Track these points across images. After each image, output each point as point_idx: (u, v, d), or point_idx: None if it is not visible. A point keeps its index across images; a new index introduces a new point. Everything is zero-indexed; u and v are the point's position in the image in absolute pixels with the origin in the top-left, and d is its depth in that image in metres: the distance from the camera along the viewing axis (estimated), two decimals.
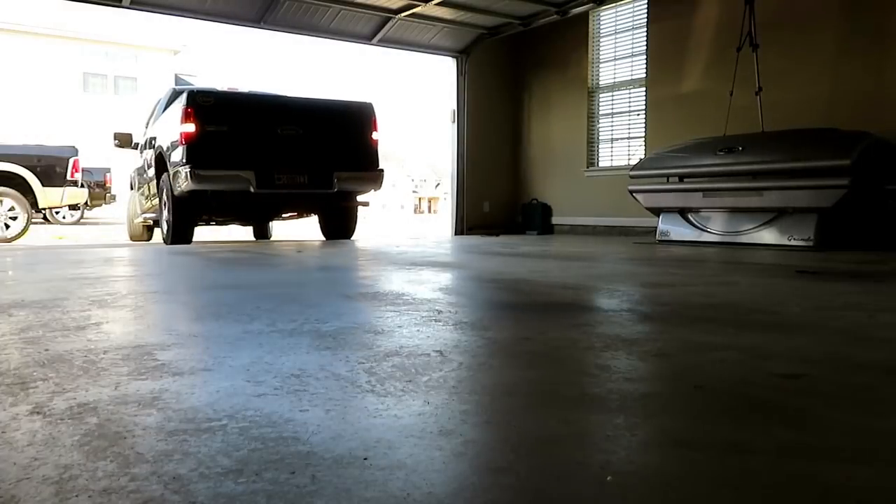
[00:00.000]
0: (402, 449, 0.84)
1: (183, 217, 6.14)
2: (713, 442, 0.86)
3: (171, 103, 7.00)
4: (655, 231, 6.26)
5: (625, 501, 0.69)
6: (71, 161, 8.00)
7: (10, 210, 7.58)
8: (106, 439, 0.88)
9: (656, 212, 6.24)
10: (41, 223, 13.01)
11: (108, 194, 16.72)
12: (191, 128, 5.69)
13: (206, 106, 5.79)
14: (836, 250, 4.74)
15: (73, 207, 14.17)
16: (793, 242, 5.06)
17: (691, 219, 5.90)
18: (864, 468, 0.78)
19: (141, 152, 7.59)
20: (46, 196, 7.87)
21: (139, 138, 7.99)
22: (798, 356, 1.36)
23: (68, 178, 7.99)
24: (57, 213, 14.11)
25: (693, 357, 1.36)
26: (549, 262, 3.97)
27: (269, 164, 5.89)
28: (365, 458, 0.81)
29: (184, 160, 5.64)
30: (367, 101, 6.64)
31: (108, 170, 16.87)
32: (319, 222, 7.50)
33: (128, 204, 8.82)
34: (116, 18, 22.44)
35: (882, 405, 1.05)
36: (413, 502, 0.69)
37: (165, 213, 6.33)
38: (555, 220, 8.84)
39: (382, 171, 6.53)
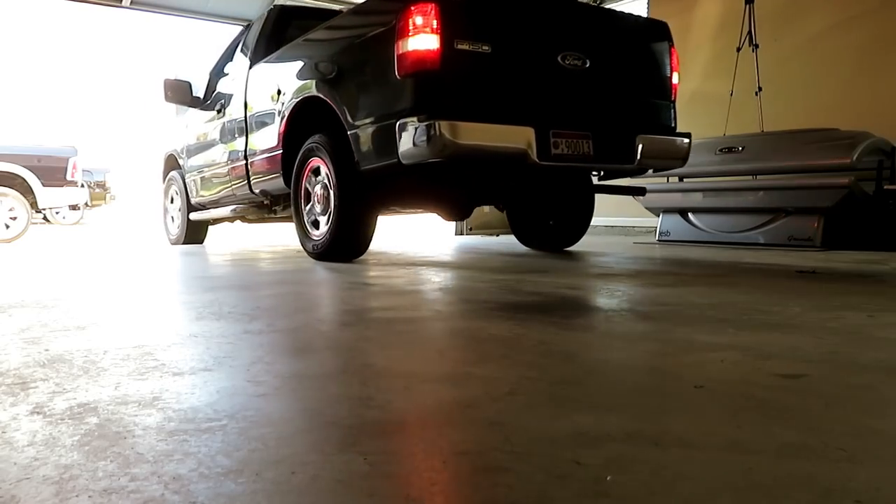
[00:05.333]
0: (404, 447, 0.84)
1: (364, 209, 3.70)
2: (713, 442, 0.86)
3: (278, 30, 4.67)
4: (655, 231, 6.26)
5: (624, 501, 0.69)
6: (71, 161, 7.99)
7: (10, 210, 7.58)
8: (106, 439, 0.88)
9: (656, 212, 6.24)
10: (41, 223, 13.02)
11: (108, 194, 16.73)
12: (429, 44, 3.09)
13: (454, 5, 3.22)
14: (837, 250, 4.74)
15: (74, 208, 14.18)
16: (793, 242, 5.06)
17: (691, 219, 5.90)
18: (864, 468, 0.78)
19: (219, 111, 5.16)
20: (46, 196, 7.87)
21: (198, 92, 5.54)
22: (798, 356, 1.36)
23: (68, 178, 7.98)
24: (57, 213, 14.11)
25: (693, 357, 1.36)
26: (549, 261, 3.97)
27: (547, 117, 3.39)
28: (364, 458, 0.81)
29: (410, 106, 3.13)
30: (661, 20, 4.07)
31: (108, 170, 16.88)
32: (516, 219, 5.10)
33: (166, 195, 6.42)
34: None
35: (882, 405, 1.05)
36: (415, 499, 0.69)
37: (313, 202, 3.93)
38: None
39: (690, 135, 4.06)
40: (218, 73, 5.47)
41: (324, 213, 3.84)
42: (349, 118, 3.53)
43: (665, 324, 1.75)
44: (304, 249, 4.05)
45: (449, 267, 3.67)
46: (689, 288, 2.57)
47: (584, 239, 5.04)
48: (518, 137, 3.25)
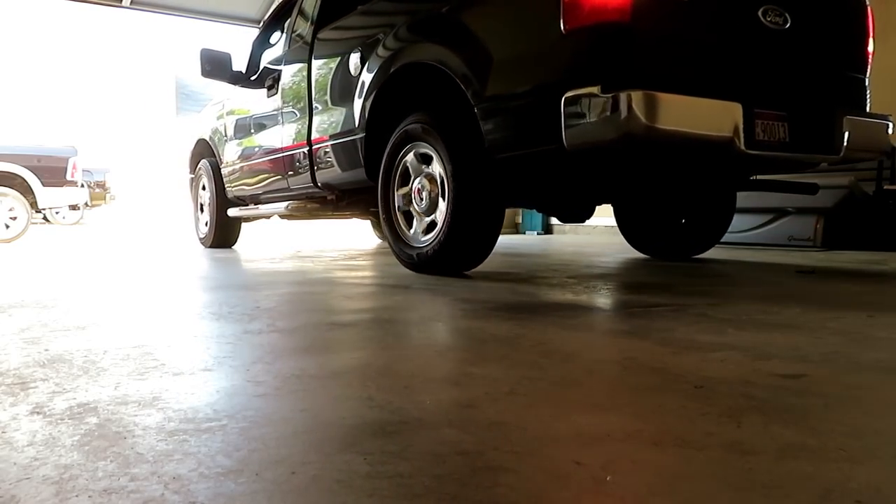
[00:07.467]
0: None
1: (492, 208, 2.88)
2: (713, 442, 0.86)
3: None
4: None
5: (624, 502, 0.69)
6: (71, 161, 7.99)
7: (9, 210, 7.58)
8: (106, 439, 0.88)
9: None
10: (41, 223, 13.03)
11: (108, 194, 16.74)
12: None
13: None
14: (837, 250, 4.74)
15: (73, 208, 14.19)
16: (793, 242, 5.07)
17: None
18: (864, 468, 0.78)
19: (269, 87, 4.31)
20: (46, 196, 7.87)
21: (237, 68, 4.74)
22: (798, 356, 1.36)
23: (68, 178, 7.98)
24: (57, 213, 14.12)
25: (693, 357, 1.36)
26: (549, 261, 3.97)
27: (750, 90, 2.64)
28: (364, 458, 0.81)
29: (585, 71, 2.35)
30: None
31: (108, 170, 16.89)
32: (630, 220, 4.25)
33: (195, 188, 5.71)
34: None
35: (882, 405, 1.05)
36: (415, 499, 0.69)
37: (413, 199, 3.11)
38: (554, 219, 8.83)
39: (890, 118, 3.19)
40: (263, 42, 4.69)
41: (428, 213, 3.03)
42: (478, 89, 2.66)
43: (665, 323, 1.75)
44: (398, 258, 3.22)
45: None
46: (689, 288, 2.57)
47: (581, 239, 5.02)
48: (725, 117, 2.46)
